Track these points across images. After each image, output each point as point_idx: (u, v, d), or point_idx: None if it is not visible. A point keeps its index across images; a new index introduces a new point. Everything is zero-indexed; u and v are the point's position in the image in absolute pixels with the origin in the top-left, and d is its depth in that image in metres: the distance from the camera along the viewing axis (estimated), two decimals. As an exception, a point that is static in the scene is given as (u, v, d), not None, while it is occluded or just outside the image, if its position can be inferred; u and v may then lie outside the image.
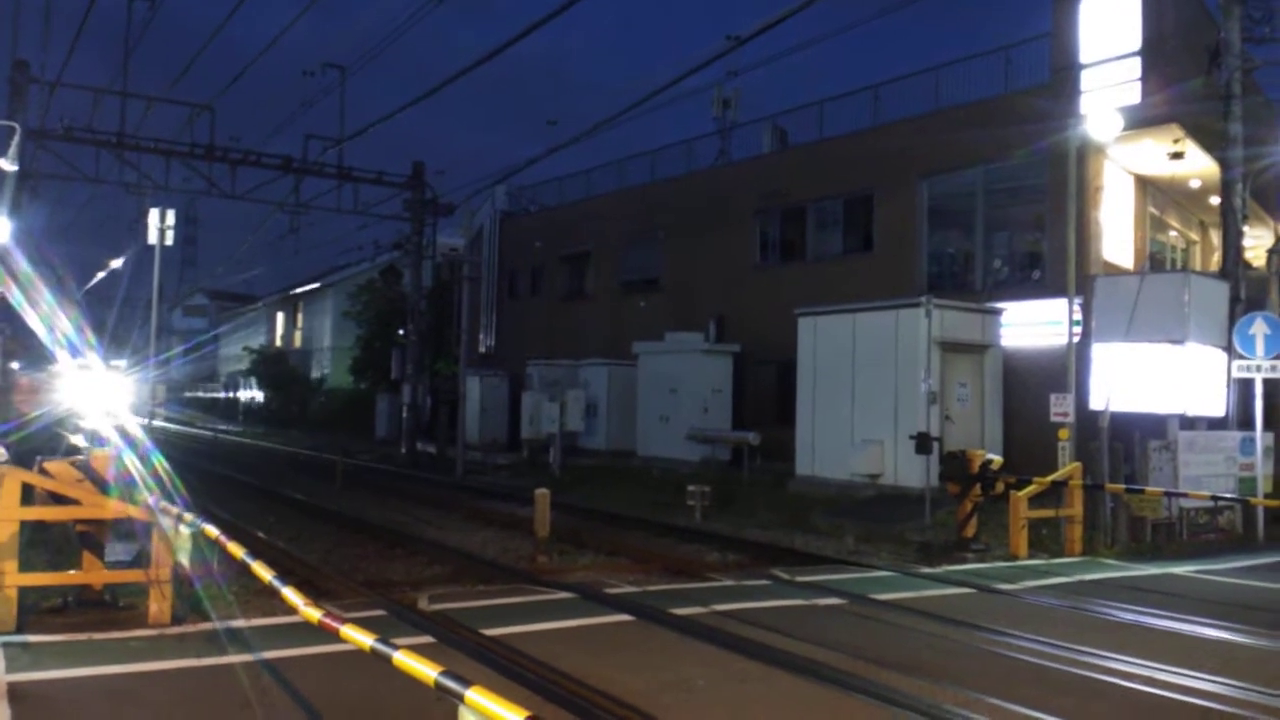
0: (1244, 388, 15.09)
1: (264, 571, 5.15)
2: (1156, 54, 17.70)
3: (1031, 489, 12.23)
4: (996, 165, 20.26)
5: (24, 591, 6.98)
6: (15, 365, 24.39)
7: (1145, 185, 20.72)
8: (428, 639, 6.82)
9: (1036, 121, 18.30)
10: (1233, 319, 15.30)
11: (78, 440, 10.25)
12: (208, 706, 5.53)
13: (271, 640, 6.71)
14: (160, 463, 8.29)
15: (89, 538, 7.39)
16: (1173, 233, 23.19)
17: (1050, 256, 18.95)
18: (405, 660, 3.64)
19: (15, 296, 16.34)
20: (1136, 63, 17.71)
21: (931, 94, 22.21)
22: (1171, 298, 15.09)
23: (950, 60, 22.66)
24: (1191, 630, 8.05)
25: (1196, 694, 6.08)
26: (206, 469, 22.92)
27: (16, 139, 15.64)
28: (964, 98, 21.49)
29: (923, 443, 15.06)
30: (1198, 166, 19.15)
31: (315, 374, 49.08)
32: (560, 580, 9.75)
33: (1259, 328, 14.29)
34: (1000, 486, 12.33)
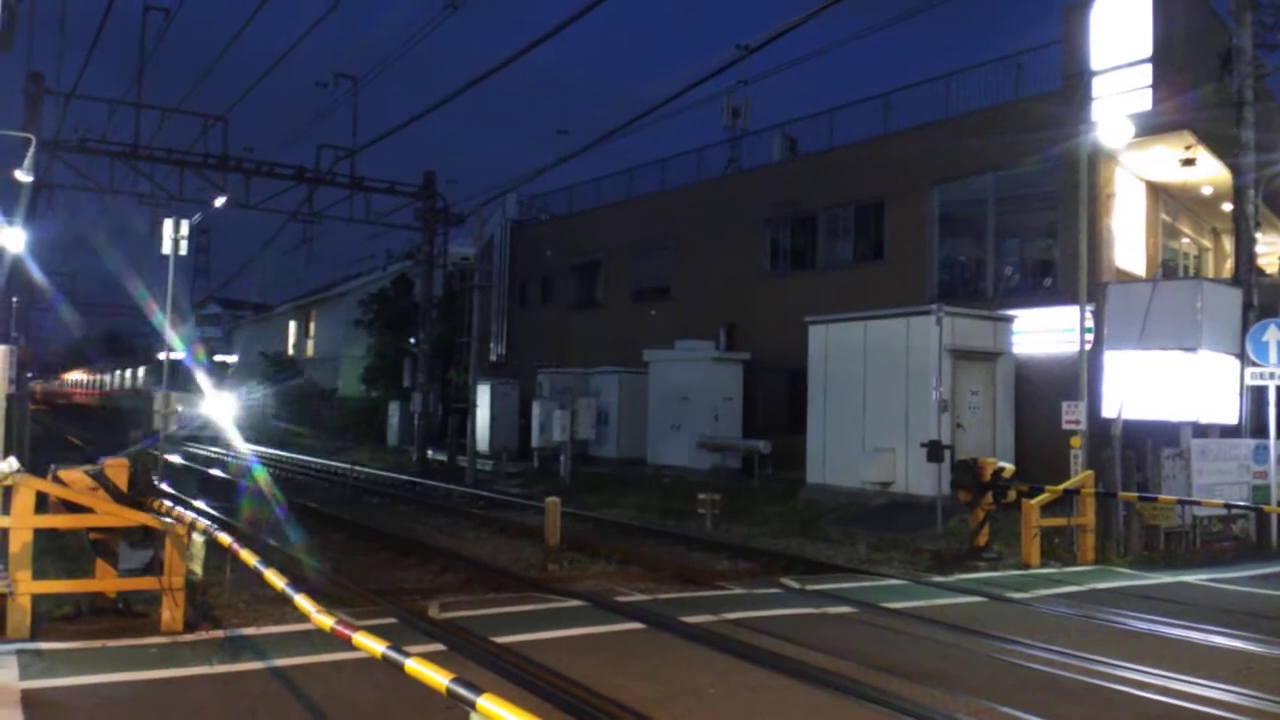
0: (1257, 395, 15.02)
1: (277, 579, 5.18)
2: (1168, 60, 17.65)
3: (1044, 497, 12.18)
4: (1008, 172, 20.22)
5: (38, 599, 7.03)
6: (30, 375, 24.55)
7: (1157, 192, 20.66)
8: (439, 647, 6.83)
9: (1048, 128, 18.27)
10: (1246, 326, 15.23)
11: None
12: (220, 714, 5.55)
13: (283, 648, 6.73)
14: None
15: (102, 545, 7.43)
16: (1185, 239, 23.10)
17: (1062, 263, 18.89)
18: (417, 667, 3.66)
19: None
20: (1148, 69, 17.65)
21: (942, 101, 22.19)
22: (1184, 305, 15.03)
23: (961, 68, 22.65)
24: (1205, 639, 8.00)
25: (1210, 703, 6.04)
26: (222, 478, 23.02)
27: (32, 150, 15.76)
28: (975, 105, 21.46)
29: (934, 451, 15.02)
30: (1210, 173, 19.08)
31: (327, 383, 49.21)
32: (571, 588, 9.76)
33: (1272, 334, 14.22)
34: (1012, 495, 12.29)
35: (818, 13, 10.75)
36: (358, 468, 24.82)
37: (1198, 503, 12.96)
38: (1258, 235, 16.59)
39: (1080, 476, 12.83)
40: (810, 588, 9.77)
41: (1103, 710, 5.97)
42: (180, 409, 15.95)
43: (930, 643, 7.56)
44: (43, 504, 7.15)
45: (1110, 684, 6.44)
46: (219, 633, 7.21)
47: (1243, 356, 14.95)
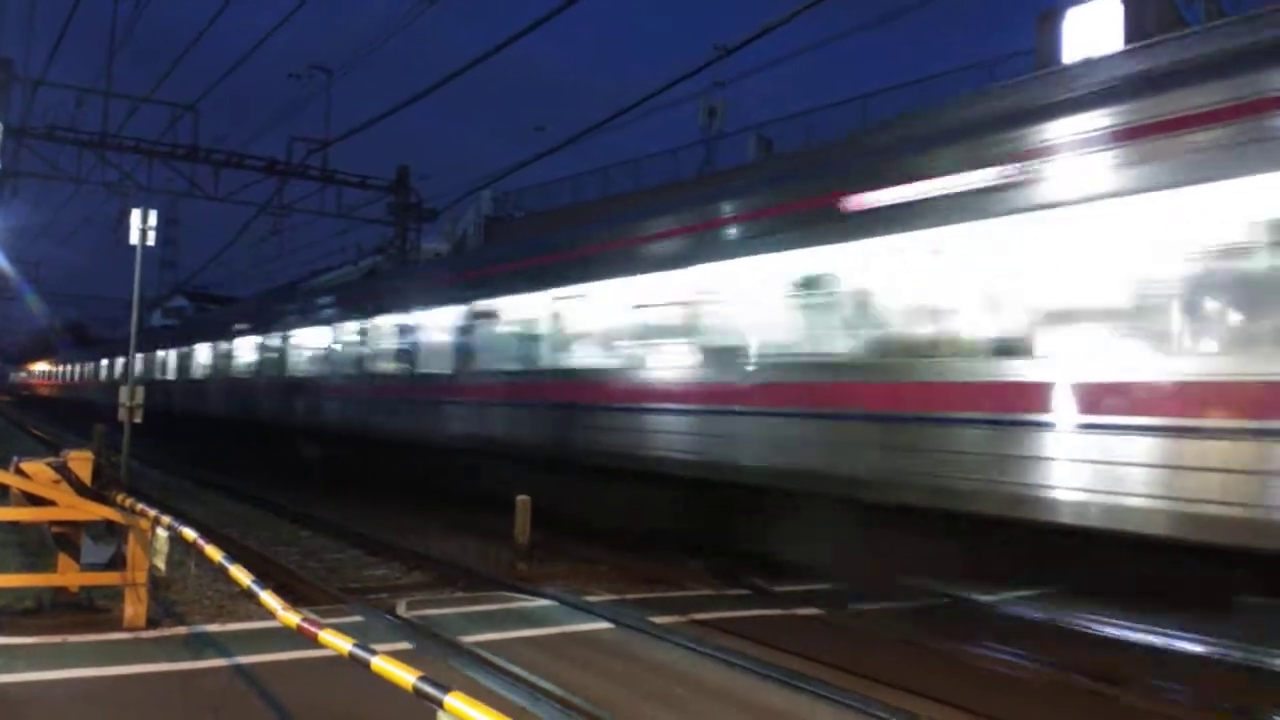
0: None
1: (242, 575, 5.12)
2: (1138, 71, 17.85)
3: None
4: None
5: (-2, 593, 6.93)
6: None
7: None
8: (406, 645, 6.79)
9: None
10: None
11: None
12: (182, 711, 5.49)
13: (247, 645, 6.67)
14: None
15: (65, 539, 7.33)
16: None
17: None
18: (384, 665, 3.63)
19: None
20: (1118, 80, 17.85)
21: (918, 106, 22.36)
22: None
23: (936, 73, 22.88)
24: (1168, 644, 8.07)
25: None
26: (186, 471, 22.78)
27: (-2, 137, 15.51)
28: (948, 111, 21.65)
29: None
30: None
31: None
32: (539, 588, 9.72)
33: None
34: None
35: (798, 13, 10.76)
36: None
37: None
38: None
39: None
40: (779, 589, 9.79)
41: (1072, 711, 6.04)
42: None
43: (898, 644, 7.60)
44: (3, 496, 7.05)
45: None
46: (183, 629, 7.13)
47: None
